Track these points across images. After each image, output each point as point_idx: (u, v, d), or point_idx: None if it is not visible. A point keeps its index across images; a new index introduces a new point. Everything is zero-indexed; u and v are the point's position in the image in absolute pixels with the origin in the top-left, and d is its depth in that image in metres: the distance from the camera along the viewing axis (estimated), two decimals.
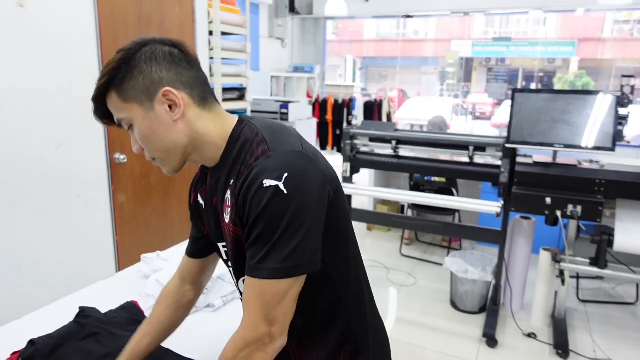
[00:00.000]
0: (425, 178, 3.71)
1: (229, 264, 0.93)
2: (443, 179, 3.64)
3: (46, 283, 2.26)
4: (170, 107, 0.80)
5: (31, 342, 1.15)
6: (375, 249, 4.06)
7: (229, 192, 0.83)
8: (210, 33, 3.15)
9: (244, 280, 0.86)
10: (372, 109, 6.33)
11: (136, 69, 0.78)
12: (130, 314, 1.32)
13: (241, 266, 0.85)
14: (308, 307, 0.82)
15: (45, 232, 2.25)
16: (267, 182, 0.73)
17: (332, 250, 0.82)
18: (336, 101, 6.18)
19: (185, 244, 1.11)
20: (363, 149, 3.05)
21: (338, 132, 6.22)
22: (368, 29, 20.49)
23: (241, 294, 0.94)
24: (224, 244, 0.90)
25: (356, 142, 2.97)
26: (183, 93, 0.81)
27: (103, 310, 1.33)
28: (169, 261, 1.57)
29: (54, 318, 1.28)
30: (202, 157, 0.87)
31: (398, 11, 6.36)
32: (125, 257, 2.76)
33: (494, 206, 2.57)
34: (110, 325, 1.24)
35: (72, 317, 1.28)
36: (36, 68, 2.08)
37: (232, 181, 0.82)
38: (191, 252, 1.05)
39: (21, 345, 1.16)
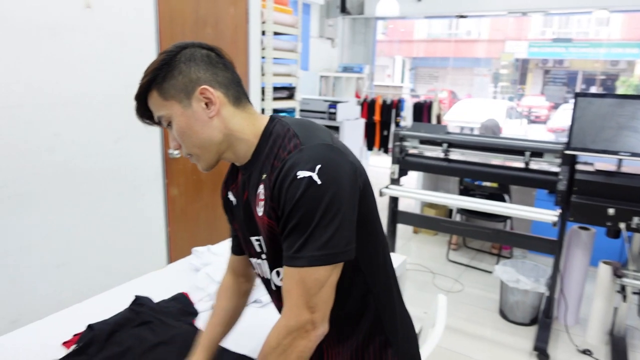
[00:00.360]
0: (476, 183, 3.60)
1: (262, 256, 0.94)
2: (495, 184, 3.52)
3: (104, 270, 2.38)
4: (206, 104, 0.84)
5: (90, 327, 1.21)
6: (421, 253, 3.99)
7: (261, 186, 0.85)
8: (263, 33, 3.20)
9: (277, 272, 0.91)
10: (422, 111, 6.21)
11: (176, 69, 0.83)
12: (182, 305, 1.36)
13: (276, 257, 0.88)
14: (339, 299, 0.83)
15: (104, 222, 2.36)
16: (301, 174, 0.76)
17: (361, 242, 0.84)
18: (384, 102, 6.12)
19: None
20: (412, 151, 3.00)
21: (385, 132, 6.16)
22: (419, 28, 20.14)
23: (270, 287, 0.97)
24: (257, 237, 0.92)
25: (406, 143, 2.92)
26: (219, 92, 0.85)
27: (155, 300, 1.38)
28: (218, 255, 1.61)
29: (110, 304, 1.34)
30: (235, 154, 0.91)
31: (451, 11, 6.20)
32: (176, 250, 2.85)
33: (550, 215, 2.45)
34: (162, 314, 1.28)
35: (126, 304, 1.34)
36: (100, 66, 2.19)
37: (264, 175, 0.84)
38: (234, 250, 1.10)
39: (81, 328, 1.22)
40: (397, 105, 6.09)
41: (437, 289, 3.30)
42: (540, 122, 15.97)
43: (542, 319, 2.77)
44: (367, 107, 6.17)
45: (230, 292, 1.12)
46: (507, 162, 2.83)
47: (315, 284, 0.77)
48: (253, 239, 0.94)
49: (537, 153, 2.60)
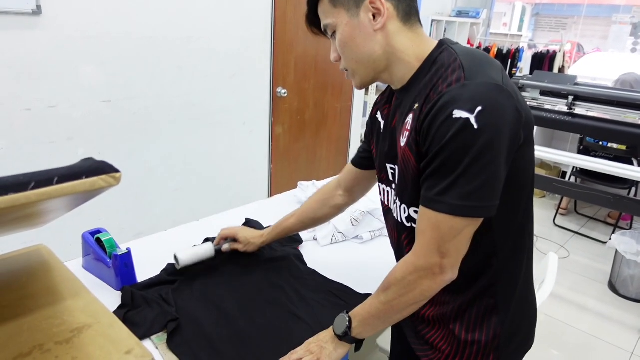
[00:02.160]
0: (600, 143, 3.24)
1: (392, 186, 0.92)
2: (623, 147, 3.14)
3: (212, 197, 2.58)
4: (374, 15, 0.80)
5: (207, 240, 1.32)
6: None
7: (411, 115, 0.80)
8: None
9: (404, 209, 0.86)
10: (542, 62, 5.64)
11: None
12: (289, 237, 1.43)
13: (405, 193, 0.85)
14: None
15: (215, 153, 2.53)
16: (458, 113, 0.69)
17: (503, 200, 0.75)
18: (500, 51, 5.64)
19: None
20: (530, 103, 2.75)
21: None
22: None
23: (390, 218, 0.95)
24: (393, 165, 0.90)
25: (524, 94, 2.69)
26: (389, 3, 0.80)
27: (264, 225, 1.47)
28: None
29: (222, 224, 1.45)
30: (392, 77, 0.86)
31: None
32: (277, 186, 2.99)
33: None
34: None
35: (237, 225, 1.44)
36: (218, 10, 2.27)
37: (417, 105, 0.79)
38: (354, 161, 1.12)
39: (198, 241, 1.34)
40: (515, 55, 5.58)
41: (540, 252, 3.12)
42: None
43: None
44: None
45: (321, 197, 1.17)
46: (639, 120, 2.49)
47: (451, 232, 0.73)
48: (389, 166, 0.92)
49: None
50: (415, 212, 0.83)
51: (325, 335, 0.92)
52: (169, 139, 2.28)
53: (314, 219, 1.20)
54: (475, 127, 0.68)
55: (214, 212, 1.62)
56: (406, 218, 0.87)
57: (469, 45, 0.86)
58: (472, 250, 0.80)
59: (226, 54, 2.39)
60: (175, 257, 1.17)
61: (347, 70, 0.88)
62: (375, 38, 0.82)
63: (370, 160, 1.06)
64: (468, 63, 0.75)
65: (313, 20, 0.89)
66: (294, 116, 3.01)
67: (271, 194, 2.98)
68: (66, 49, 1.83)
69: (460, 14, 6.02)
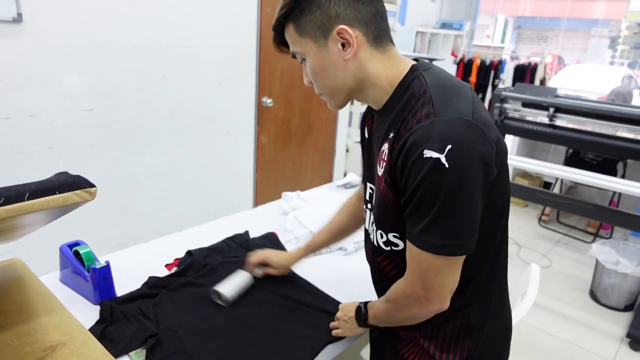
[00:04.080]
0: (588, 155, 3.29)
1: (369, 206, 0.93)
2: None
3: (197, 207, 2.55)
4: (343, 45, 0.78)
5: (189, 252, 1.31)
6: (509, 224, 3.79)
7: (386, 144, 0.80)
8: None
9: (381, 234, 0.87)
10: (524, 74, 5.74)
11: (315, 3, 0.77)
12: (271, 243, 1.42)
13: (380, 219, 0.85)
14: None
15: (200, 163, 2.51)
16: (428, 153, 0.68)
17: (480, 231, 0.75)
18: (483, 62, 5.73)
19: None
20: (512, 115, 2.80)
21: (480, 95, 5.81)
22: None
23: (367, 239, 0.95)
24: (372, 186, 0.90)
25: (506, 106, 2.73)
26: (357, 32, 0.78)
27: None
28: (307, 201, 1.64)
29: (206, 235, 1.44)
30: (367, 99, 0.86)
31: None
32: (262, 196, 2.98)
33: None
34: (255, 247, 1.35)
35: (218, 237, 1.43)
36: (204, 19, 2.26)
37: (391, 134, 0.79)
38: (363, 178, 1.10)
39: (181, 253, 1.32)
40: (497, 67, 5.68)
41: (522, 262, 3.15)
42: None
43: None
44: (464, 67, 5.83)
45: (348, 211, 1.19)
46: (618, 133, 2.53)
47: (431, 269, 0.75)
48: (369, 185, 0.92)
49: None
50: (395, 237, 0.84)
51: (351, 310, 1.00)
52: (152, 149, 2.25)
53: (345, 232, 1.22)
54: (446, 166, 0.67)
55: (199, 221, 1.60)
56: (384, 242, 0.87)
57: (441, 69, 0.86)
58: None
59: (212, 63, 2.38)
60: (218, 294, 1.09)
61: (321, 94, 0.88)
62: (347, 67, 0.80)
63: None
64: (437, 95, 0.74)
65: (281, 41, 0.87)
66: (280, 126, 3.00)
67: (256, 203, 2.97)
68: (48, 57, 1.80)
69: (444, 25, 6.12)
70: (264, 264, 1.22)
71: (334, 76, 0.82)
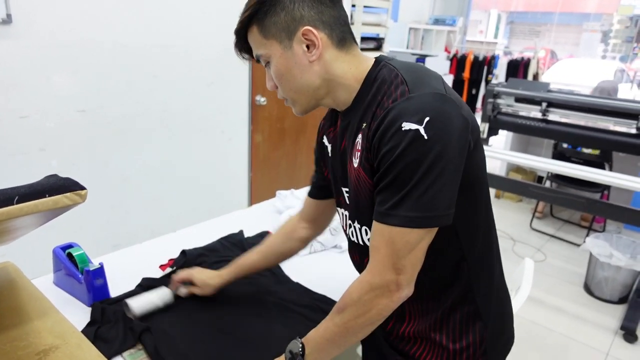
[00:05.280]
0: (575, 149, 3.31)
1: (346, 209, 0.92)
2: (595, 152, 3.22)
3: (192, 206, 2.54)
4: (308, 47, 0.79)
5: (183, 253, 1.31)
6: (503, 219, 3.82)
7: (360, 135, 0.80)
8: None
9: (359, 229, 0.86)
10: (517, 69, 5.77)
11: (279, 5, 0.78)
12: None
13: (358, 212, 0.85)
14: (430, 262, 0.77)
15: (193, 162, 2.50)
16: (406, 125, 0.69)
17: (462, 205, 0.76)
18: (476, 58, 5.75)
19: None
20: (505, 110, 2.81)
21: (474, 91, 5.83)
22: None
23: (349, 240, 0.94)
24: (347, 189, 0.89)
25: (499, 101, 2.74)
26: (322, 33, 0.79)
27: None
28: (301, 199, 1.64)
29: (199, 236, 1.43)
30: (335, 101, 0.85)
31: None
32: (257, 194, 2.97)
33: None
34: (249, 247, 1.35)
35: (212, 237, 1.42)
36: (196, 18, 2.25)
37: (364, 125, 0.79)
38: (310, 193, 1.08)
39: (175, 253, 1.32)
40: (490, 62, 5.70)
41: (516, 256, 3.17)
42: None
43: (634, 299, 2.56)
44: (457, 62, 5.85)
45: (284, 232, 1.12)
46: (611, 127, 2.56)
47: (406, 246, 0.72)
48: (344, 189, 0.91)
49: None
50: None
51: None
52: (145, 149, 2.24)
53: (279, 254, 1.13)
54: (425, 137, 0.68)
55: (194, 221, 1.60)
56: (369, 239, 0.84)
57: (404, 60, 0.87)
58: (439, 258, 0.81)
59: (204, 62, 2.37)
60: (127, 305, 1.03)
61: (286, 99, 0.87)
62: (312, 69, 0.80)
63: (326, 189, 1.03)
64: (409, 77, 0.75)
65: (243, 46, 0.86)
66: (274, 124, 3.00)
67: (251, 202, 2.96)
68: (38, 58, 1.79)
69: (437, 21, 6.12)
70: (189, 282, 1.13)
71: (299, 78, 0.81)
